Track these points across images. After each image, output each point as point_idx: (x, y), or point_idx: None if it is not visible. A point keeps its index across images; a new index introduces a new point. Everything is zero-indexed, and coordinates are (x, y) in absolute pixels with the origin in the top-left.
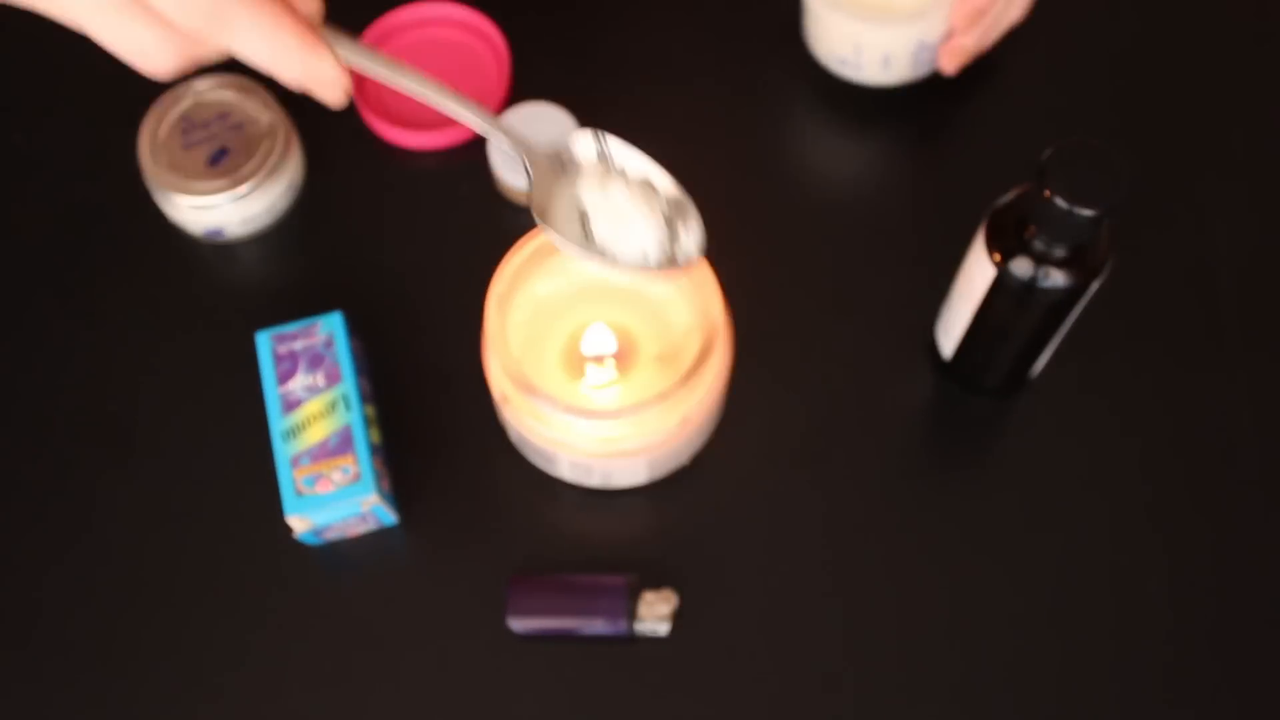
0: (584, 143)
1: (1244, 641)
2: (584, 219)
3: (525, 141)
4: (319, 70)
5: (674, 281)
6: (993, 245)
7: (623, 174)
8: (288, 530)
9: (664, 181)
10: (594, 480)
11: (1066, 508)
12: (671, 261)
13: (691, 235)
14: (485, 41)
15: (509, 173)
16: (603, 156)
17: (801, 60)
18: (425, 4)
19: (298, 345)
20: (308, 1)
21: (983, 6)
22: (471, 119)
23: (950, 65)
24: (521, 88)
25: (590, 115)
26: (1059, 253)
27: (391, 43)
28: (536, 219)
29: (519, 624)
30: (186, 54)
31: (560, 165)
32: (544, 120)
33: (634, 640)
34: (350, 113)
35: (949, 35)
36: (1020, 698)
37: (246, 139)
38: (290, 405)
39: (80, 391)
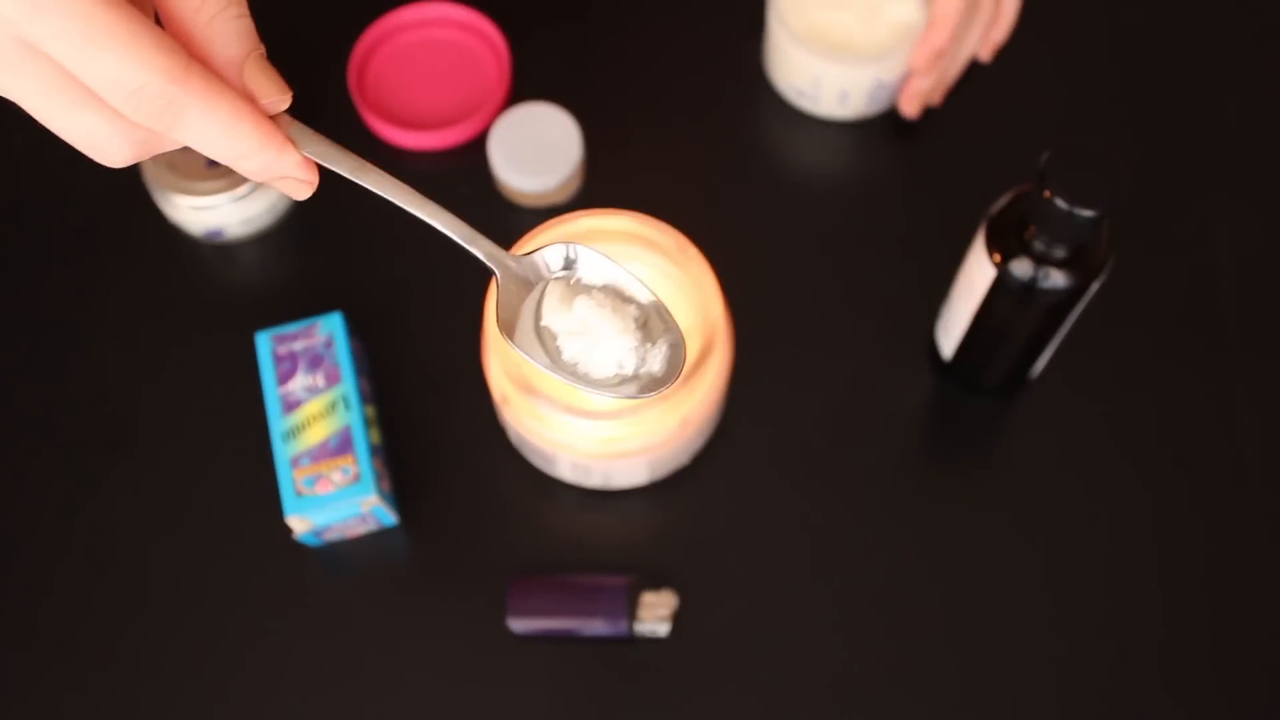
0: (554, 256)
1: (1241, 642)
2: (547, 337)
3: (499, 258)
4: (281, 167)
5: (650, 400)
6: (993, 245)
7: (588, 287)
8: (288, 530)
9: (638, 289)
10: (594, 481)
11: (1066, 507)
12: (649, 377)
13: (659, 351)
14: (485, 41)
15: (509, 173)
16: (570, 268)
17: None
18: (425, 4)
19: (298, 346)
20: (239, 39)
21: (941, 48)
22: (446, 226)
23: (910, 109)
24: (522, 87)
25: (589, 115)
26: (1059, 253)
27: (392, 42)
28: (504, 337)
29: (519, 624)
30: (141, 145)
31: (530, 284)
32: (544, 120)
33: (634, 640)
34: (350, 113)
35: (908, 77)
36: (1018, 697)
37: None
38: (290, 406)
39: (80, 391)
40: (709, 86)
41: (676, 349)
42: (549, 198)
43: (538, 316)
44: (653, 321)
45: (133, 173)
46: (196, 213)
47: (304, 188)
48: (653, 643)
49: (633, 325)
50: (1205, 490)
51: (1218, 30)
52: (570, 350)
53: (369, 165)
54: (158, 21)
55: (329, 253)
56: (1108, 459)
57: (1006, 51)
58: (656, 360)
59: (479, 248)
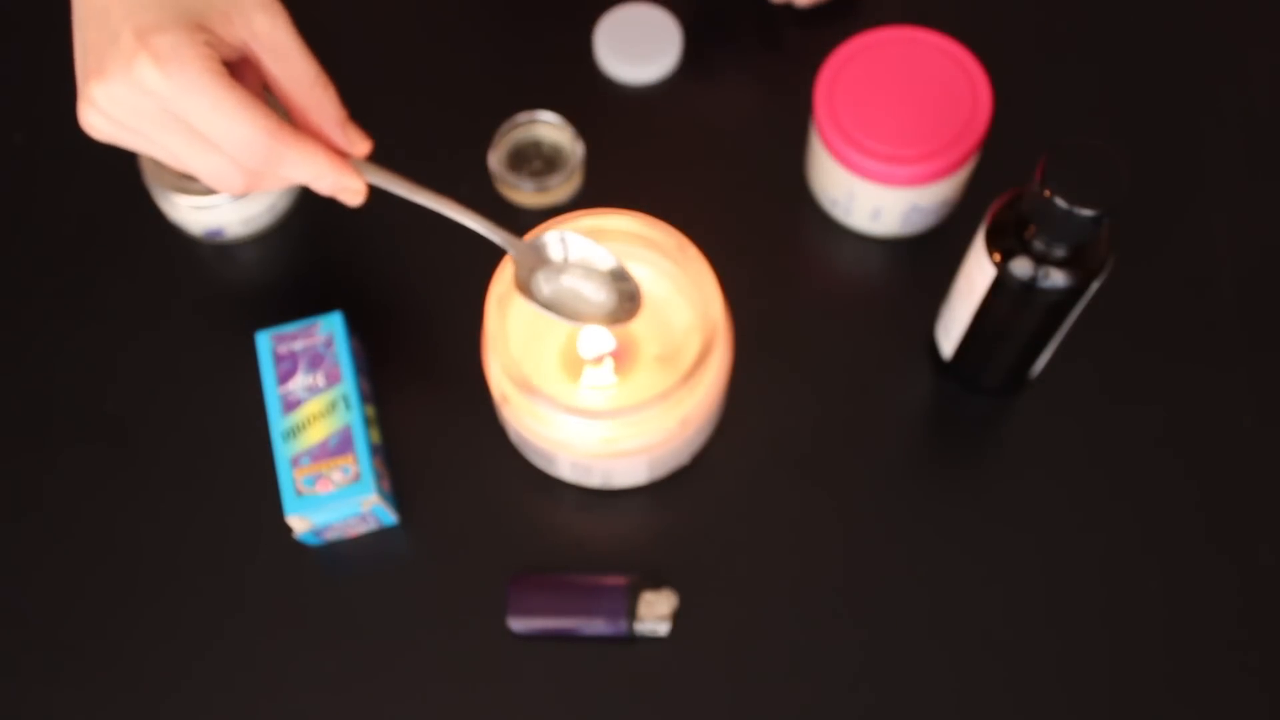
0: (553, 239)
1: (1241, 641)
2: (550, 296)
3: (515, 243)
4: (346, 183)
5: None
6: (993, 245)
7: (572, 264)
8: (288, 530)
9: (607, 259)
10: (594, 480)
11: (1066, 507)
12: (624, 310)
13: (630, 287)
14: (964, 71)
15: (509, 174)
16: (563, 248)
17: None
18: (901, 28)
19: (298, 345)
20: (330, 108)
21: None
22: (483, 229)
23: None
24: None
25: (589, 124)
26: (1059, 253)
27: (869, 55)
28: (520, 293)
29: (519, 624)
30: (252, 178)
31: (537, 255)
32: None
33: (634, 640)
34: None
35: None
36: (1019, 696)
37: None
38: (290, 405)
39: (80, 391)
40: (710, 84)
41: (635, 292)
42: (549, 198)
43: (539, 294)
44: (619, 277)
45: (133, 173)
46: (196, 212)
47: (359, 198)
48: (653, 643)
49: (607, 287)
50: (1207, 489)
51: (1218, 29)
52: (566, 304)
53: (413, 183)
54: (268, 92)
55: (329, 253)
56: (1108, 459)
57: (1006, 51)
58: (629, 293)
59: (510, 246)
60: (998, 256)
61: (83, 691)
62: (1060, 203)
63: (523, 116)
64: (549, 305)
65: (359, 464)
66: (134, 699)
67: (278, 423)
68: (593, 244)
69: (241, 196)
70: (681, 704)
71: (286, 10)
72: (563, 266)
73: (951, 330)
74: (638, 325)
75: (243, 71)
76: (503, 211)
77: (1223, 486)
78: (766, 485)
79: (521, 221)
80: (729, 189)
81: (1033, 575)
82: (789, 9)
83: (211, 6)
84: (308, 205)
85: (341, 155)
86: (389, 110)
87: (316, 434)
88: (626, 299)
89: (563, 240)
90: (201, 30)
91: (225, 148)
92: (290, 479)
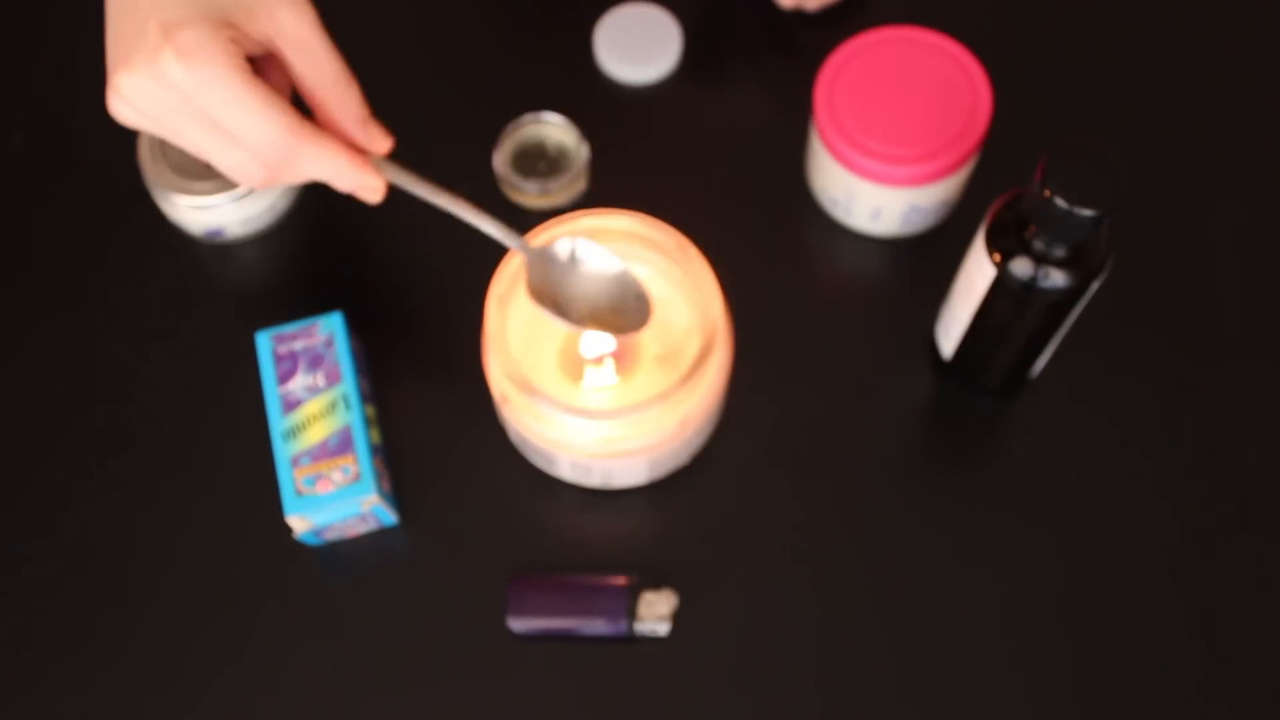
0: (564, 245)
1: (1241, 641)
2: (564, 303)
3: (527, 248)
4: (365, 181)
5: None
6: (993, 245)
7: (583, 271)
8: (288, 530)
9: (617, 265)
10: (594, 480)
11: (1066, 508)
12: (636, 313)
13: (638, 289)
14: (964, 71)
15: (514, 176)
16: (574, 257)
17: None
18: (901, 28)
19: (298, 345)
20: (353, 105)
21: None
22: (499, 234)
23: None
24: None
25: (592, 123)
26: (1059, 253)
27: (869, 54)
28: (533, 300)
29: (519, 624)
30: (273, 173)
31: (548, 260)
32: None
33: (634, 640)
34: None
35: None
36: (1019, 698)
37: None
38: (290, 405)
39: (80, 391)
40: (712, 82)
41: (642, 293)
42: (553, 200)
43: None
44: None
45: (133, 173)
46: (196, 213)
47: (378, 195)
48: (653, 642)
49: (613, 282)
50: (1206, 490)
51: (1217, 29)
52: (580, 313)
53: (432, 184)
54: (294, 93)
55: (329, 253)
56: (1108, 459)
57: (1007, 51)
58: (641, 304)
59: (524, 250)
60: (998, 256)
61: (80, 690)
62: (1060, 203)
63: (528, 117)
64: (563, 313)
65: (359, 464)
66: (133, 699)
67: (278, 423)
68: (601, 249)
69: (264, 189)
70: (681, 704)
71: (314, 7)
72: (576, 272)
73: (951, 330)
74: None
75: (268, 67)
76: (505, 212)
77: (1223, 485)
78: (766, 485)
79: (525, 222)
80: (729, 189)
81: (1033, 575)
82: (799, 13)
83: (237, 3)
84: (308, 205)
85: (361, 153)
86: (388, 110)
87: (316, 434)
88: (636, 300)
89: (573, 247)
90: (226, 26)
91: (246, 143)
92: (290, 479)
